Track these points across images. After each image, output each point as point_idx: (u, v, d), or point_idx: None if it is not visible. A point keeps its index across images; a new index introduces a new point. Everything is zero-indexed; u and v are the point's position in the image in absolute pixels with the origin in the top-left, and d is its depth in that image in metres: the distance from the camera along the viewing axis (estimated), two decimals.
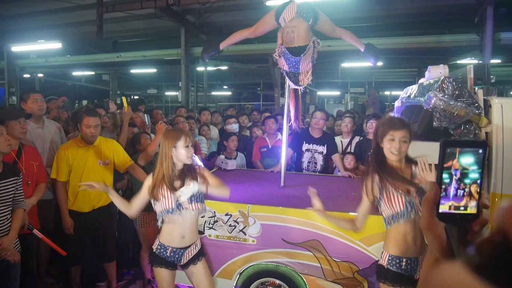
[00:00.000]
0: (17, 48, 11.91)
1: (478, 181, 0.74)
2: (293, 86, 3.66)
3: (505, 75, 13.89)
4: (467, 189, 0.74)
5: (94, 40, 11.43)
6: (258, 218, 3.05)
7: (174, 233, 2.69)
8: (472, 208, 0.74)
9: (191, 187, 2.67)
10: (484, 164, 0.74)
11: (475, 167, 0.73)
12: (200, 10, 8.87)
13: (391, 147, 2.22)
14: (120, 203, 2.79)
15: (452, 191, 0.74)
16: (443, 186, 0.74)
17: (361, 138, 4.96)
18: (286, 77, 3.65)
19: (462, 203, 0.74)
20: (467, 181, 0.74)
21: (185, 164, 2.70)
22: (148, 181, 2.72)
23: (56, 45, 10.96)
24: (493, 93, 3.42)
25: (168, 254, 2.69)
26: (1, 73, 13.69)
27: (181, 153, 2.61)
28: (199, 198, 2.74)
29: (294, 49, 3.49)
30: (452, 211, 0.74)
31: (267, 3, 7.23)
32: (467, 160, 0.73)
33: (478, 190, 0.74)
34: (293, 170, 4.81)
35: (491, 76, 5.34)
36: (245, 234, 3.09)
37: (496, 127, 2.68)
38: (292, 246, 2.98)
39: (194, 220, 2.77)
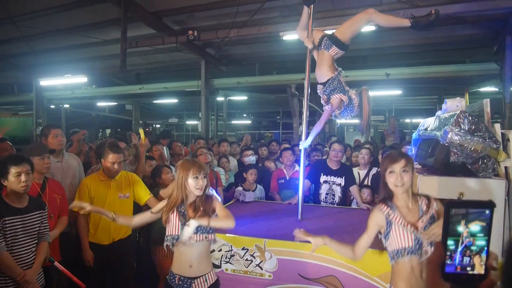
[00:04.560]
0: (45, 82, 12.37)
1: (486, 243, 0.72)
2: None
3: None
4: (474, 251, 0.72)
5: (118, 73, 11.82)
6: (274, 253, 3.05)
7: (181, 260, 2.64)
8: (479, 269, 0.72)
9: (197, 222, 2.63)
10: (491, 225, 0.71)
11: (482, 231, 0.71)
12: (220, 43, 9.12)
13: (394, 181, 2.25)
14: (122, 220, 2.87)
15: (458, 253, 0.72)
16: (449, 247, 0.72)
17: (378, 169, 4.93)
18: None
19: (469, 263, 0.72)
20: (475, 242, 0.71)
21: (199, 196, 2.67)
22: (163, 204, 2.76)
23: (81, 79, 11.33)
24: None
25: (176, 282, 2.63)
26: (30, 104, 14.20)
27: (191, 184, 2.63)
28: (207, 229, 2.65)
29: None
30: (459, 271, 0.72)
31: (284, 38, 7.40)
32: (474, 223, 0.71)
33: (486, 251, 0.72)
34: (311, 202, 4.80)
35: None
36: (262, 269, 3.08)
37: None
38: (309, 281, 2.96)
39: (203, 251, 2.66)
